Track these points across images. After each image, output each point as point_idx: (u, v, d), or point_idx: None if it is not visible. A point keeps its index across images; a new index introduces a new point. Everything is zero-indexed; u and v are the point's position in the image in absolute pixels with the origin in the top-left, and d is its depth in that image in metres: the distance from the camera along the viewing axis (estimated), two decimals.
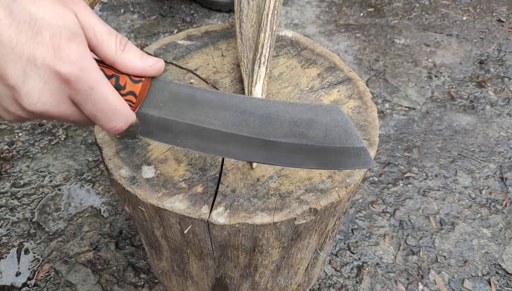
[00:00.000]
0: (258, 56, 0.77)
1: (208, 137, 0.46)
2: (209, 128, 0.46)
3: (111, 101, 0.41)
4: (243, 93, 0.78)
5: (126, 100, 0.45)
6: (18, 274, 1.10)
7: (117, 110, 0.42)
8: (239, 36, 0.85)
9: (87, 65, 0.38)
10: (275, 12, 0.82)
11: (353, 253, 1.20)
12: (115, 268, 1.12)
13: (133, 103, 0.46)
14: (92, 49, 0.41)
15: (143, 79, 0.46)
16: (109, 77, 0.43)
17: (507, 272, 1.18)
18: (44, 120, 1.51)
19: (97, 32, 0.40)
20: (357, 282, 1.13)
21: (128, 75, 0.45)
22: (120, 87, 0.44)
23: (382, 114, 1.68)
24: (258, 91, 0.72)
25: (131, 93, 0.45)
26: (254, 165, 0.66)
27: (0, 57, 0.34)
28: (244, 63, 0.81)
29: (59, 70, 0.37)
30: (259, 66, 0.76)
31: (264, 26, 0.80)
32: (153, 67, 0.45)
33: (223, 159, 0.67)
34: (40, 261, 1.13)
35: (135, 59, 0.44)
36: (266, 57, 0.77)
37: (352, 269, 1.16)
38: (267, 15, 0.81)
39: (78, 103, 0.41)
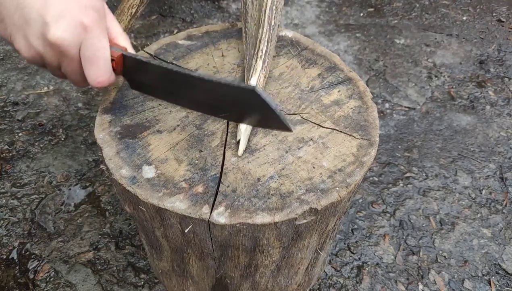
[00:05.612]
0: (256, 51, 0.78)
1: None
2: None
3: (107, 53, 0.59)
4: None
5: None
6: (18, 274, 1.10)
7: (106, 62, 0.59)
8: (244, 36, 0.87)
9: (102, 24, 0.58)
10: (273, 7, 0.83)
11: (353, 253, 1.20)
12: (115, 268, 1.12)
13: (113, 68, 0.62)
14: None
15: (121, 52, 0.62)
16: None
17: (507, 272, 1.18)
18: (44, 120, 1.51)
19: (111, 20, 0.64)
20: (357, 282, 1.13)
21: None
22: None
23: (382, 114, 1.68)
24: (252, 84, 0.73)
25: (112, 60, 0.62)
26: (240, 152, 0.68)
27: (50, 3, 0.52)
28: (246, 60, 0.82)
29: (83, 21, 0.55)
30: (256, 60, 0.77)
31: (262, 21, 0.82)
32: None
33: (223, 159, 0.67)
34: (40, 261, 1.13)
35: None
36: (264, 51, 0.78)
37: (352, 269, 1.16)
38: (265, 11, 0.83)
39: (85, 48, 0.56)
